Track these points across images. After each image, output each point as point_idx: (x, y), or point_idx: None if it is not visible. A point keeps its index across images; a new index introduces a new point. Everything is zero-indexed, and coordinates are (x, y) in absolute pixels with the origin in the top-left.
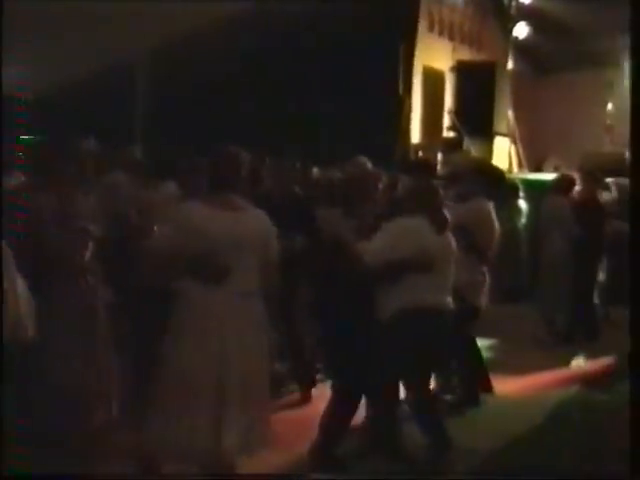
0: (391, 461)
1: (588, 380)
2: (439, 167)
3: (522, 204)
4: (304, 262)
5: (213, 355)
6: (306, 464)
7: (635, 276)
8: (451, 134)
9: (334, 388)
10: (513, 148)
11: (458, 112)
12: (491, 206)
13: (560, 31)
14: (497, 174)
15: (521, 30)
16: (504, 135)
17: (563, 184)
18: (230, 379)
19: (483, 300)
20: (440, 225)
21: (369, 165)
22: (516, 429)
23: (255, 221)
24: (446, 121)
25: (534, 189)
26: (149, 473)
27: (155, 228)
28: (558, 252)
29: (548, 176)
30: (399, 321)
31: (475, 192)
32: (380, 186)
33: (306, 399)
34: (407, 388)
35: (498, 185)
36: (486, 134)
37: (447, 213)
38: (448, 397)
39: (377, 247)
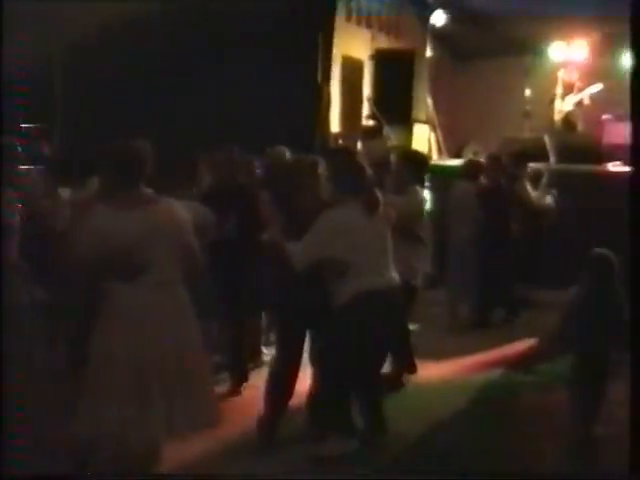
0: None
1: (511, 362)
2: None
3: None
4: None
5: (137, 347)
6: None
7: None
8: (370, 122)
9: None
10: (432, 135)
11: (377, 100)
12: (423, 194)
13: (478, 18)
14: (424, 161)
15: (439, 18)
16: (423, 122)
17: (470, 170)
18: (156, 367)
19: (419, 282)
20: (372, 207)
21: (288, 154)
22: (441, 414)
23: (165, 213)
24: (365, 109)
25: (448, 175)
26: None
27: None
28: (464, 238)
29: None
30: (353, 307)
31: (409, 182)
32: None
33: (235, 393)
34: (360, 371)
35: (425, 171)
36: (405, 122)
37: (379, 194)
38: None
39: (305, 248)
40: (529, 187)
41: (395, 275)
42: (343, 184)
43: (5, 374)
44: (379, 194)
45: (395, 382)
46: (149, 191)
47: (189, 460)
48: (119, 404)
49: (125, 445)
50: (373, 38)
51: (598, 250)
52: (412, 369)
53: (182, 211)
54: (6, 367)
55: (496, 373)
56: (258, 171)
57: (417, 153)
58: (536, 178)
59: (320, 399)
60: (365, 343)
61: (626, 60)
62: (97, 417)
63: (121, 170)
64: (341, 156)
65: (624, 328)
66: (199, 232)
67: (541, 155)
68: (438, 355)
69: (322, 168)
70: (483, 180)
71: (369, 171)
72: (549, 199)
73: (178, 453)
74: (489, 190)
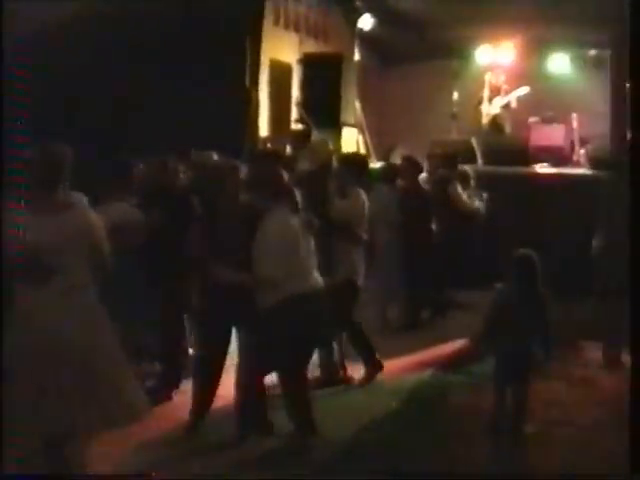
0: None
1: (440, 363)
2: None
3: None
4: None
5: (40, 349)
6: None
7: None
8: (299, 126)
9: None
10: (361, 138)
11: (305, 104)
12: (364, 196)
13: (405, 22)
14: (365, 164)
15: (367, 22)
16: (352, 126)
17: (387, 173)
18: (62, 368)
19: (361, 282)
20: (294, 210)
21: (216, 159)
22: (372, 414)
23: (78, 218)
24: (294, 113)
25: (373, 179)
26: None
27: None
28: (386, 241)
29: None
30: (280, 310)
31: (351, 185)
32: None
33: (166, 398)
34: (284, 374)
35: (366, 174)
36: (334, 125)
37: (298, 195)
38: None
39: (264, 266)
40: (459, 188)
41: (319, 278)
42: (265, 188)
43: None
44: (299, 197)
45: (366, 382)
46: (69, 195)
47: (117, 461)
48: (32, 404)
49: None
50: (301, 42)
51: (521, 251)
52: (378, 366)
53: (95, 216)
54: None
55: (426, 374)
56: (184, 175)
57: (357, 156)
58: (463, 180)
59: (241, 400)
60: (290, 345)
61: (552, 63)
62: (18, 415)
63: (36, 173)
64: (261, 160)
65: (546, 328)
66: (126, 233)
67: (469, 157)
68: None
69: (244, 172)
70: (401, 182)
71: (286, 175)
72: (477, 201)
73: (106, 455)
74: (407, 192)
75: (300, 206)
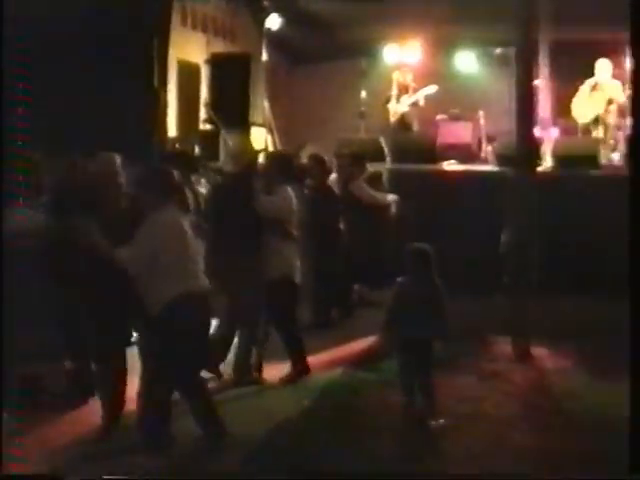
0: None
1: (352, 361)
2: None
3: None
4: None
5: None
6: None
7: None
8: (207, 126)
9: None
10: (269, 138)
11: (214, 104)
12: (291, 191)
13: (313, 22)
14: (291, 161)
15: (274, 21)
16: (260, 125)
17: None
18: None
19: (298, 278)
20: (184, 209)
21: (117, 161)
22: (284, 413)
23: None
24: (202, 114)
25: None
26: None
27: None
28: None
29: None
30: (171, 309)
31: (278, 182)
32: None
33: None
34: (180, 376)
35: (292, 171)
36: (242, 125)
37: (188, 194)
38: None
39: (135, 253)
40: (366, 186)
41: (205, 278)
42: (154, 187)
43: None
44: (189, 196)
45: (288, 382)
46: None
47: (34, 463)
48: None
49: None
50: (209, 42)
51: (417, 244)
52: (306, 368)
53: None
54: None
55: (337, 372)
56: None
57: (284, 154)
58: (376, 180)
59: (140, 410)
60: (183, 345)
61: (459, 61)
62: None
63: None
64: (169, 161)
65: (443, 314)
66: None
67: (377, 156)
68: (281, 356)
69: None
70: (309, 182)
71: (177, 175)
72: (389, 198)
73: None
74: (313, 191)
75: (191, 207)
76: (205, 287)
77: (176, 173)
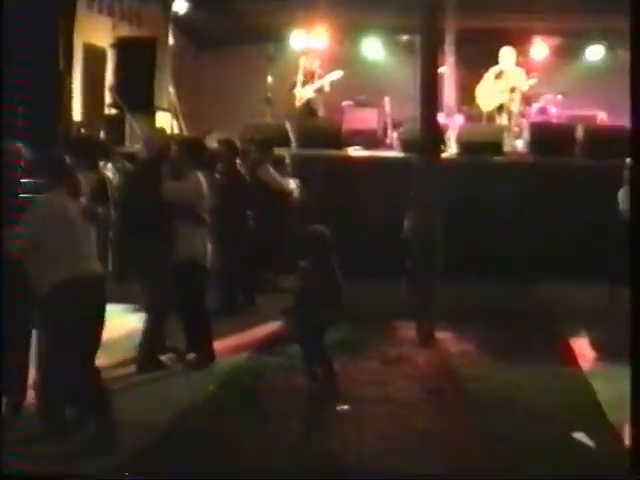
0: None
1: (258, 345)
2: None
3: None
4: None
5: None
6: None
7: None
8: (113, 111)
9: None
10: (175, 123)
11: (119, 88)
12: (202, 176)
13: (220, 7)
14: (202, 147)
15: (181, 6)
16: (166, 110)
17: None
18: None
19: (208, 262)
20: (74, 193)
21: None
22: (189, 399)
23: None
24: (108, 98)
25: None
26: None
27: None
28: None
29: None
30: (60, 294)
31: (188, 167)
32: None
33: None
34: (69, 362)
35: (203, 156)
36: (147, 110)
37: (81, 178)
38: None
39: (14, 234)
40: (273, 171)
41: (98, 263)
42: (44, 171)
43: None
44: (80, 181)
45: (194, 367)
46: None
47: None
48: None
49: None
50: (115, 26)
51: (315, 227)
52: (212, 355)
53: None
54: None
55: (242, 357)
56: None
57: (194, 139)
58: (279, 163)
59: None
60: (73, 331)
61: (365, 48)
62: None
63: None
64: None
65: (340, 301)
66: None
67: (283, 141)
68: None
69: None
70: (219, 166)
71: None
72: (292, 183)
73: None
74: (224, 176)
75: (83, 192)
76: (96, 272)
77: (68, 158)
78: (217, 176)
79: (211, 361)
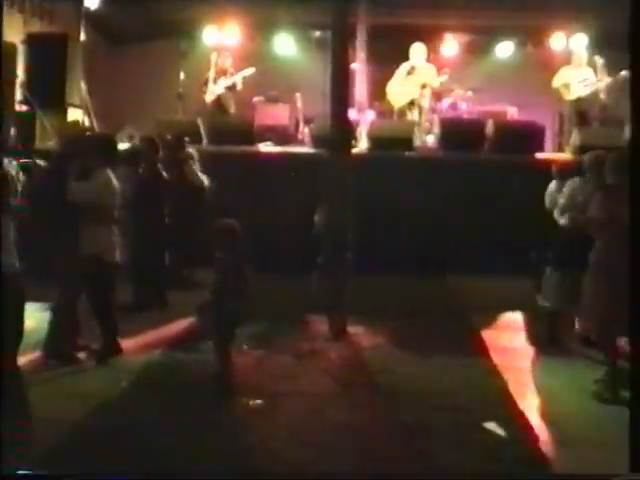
0: None
1: (171, 342)
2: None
3: None
4: None
5: None
6: None
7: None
8: (24, 108)
9: None
10: (87, 119)
11: (30, 85)
12: (111, 174)
13: (132, 2)
14: (113, 144)
15: (93, 1)
16: (77, 107)
17: (129, 155)
18: None
19: (119, 258)
20: None
21: None
22: (103, 396)
23: None
24: (18, 94)
25: None
26: None
27: None
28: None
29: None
30: None
31: (97, 166)
32: None
33: None
34: None
35: (114, 154)
36: (58, 106)
37: None
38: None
39: None
40: (188, 167)
41: (13, 259)
42: None
43: None
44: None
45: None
46: None
47: None
48: None
49: None
50: (26, 22)
51: (224, 220)
52: (117, 349)
53: None
54: None
55: (156, 353)
56: None
57: (104, 136)
58: (187, 160)
59: None
60: None
61: (277, 44)
62: None
63: None
64: None
65: (246, 290)
66: None
67: (195, 137)
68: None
69: None
70: (142, 164)
71: None
72: (206, 180)
73: None
74: (145, 172)
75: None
76: (14, 267)
77: None
78: (140, 171)
79: (115, 355)
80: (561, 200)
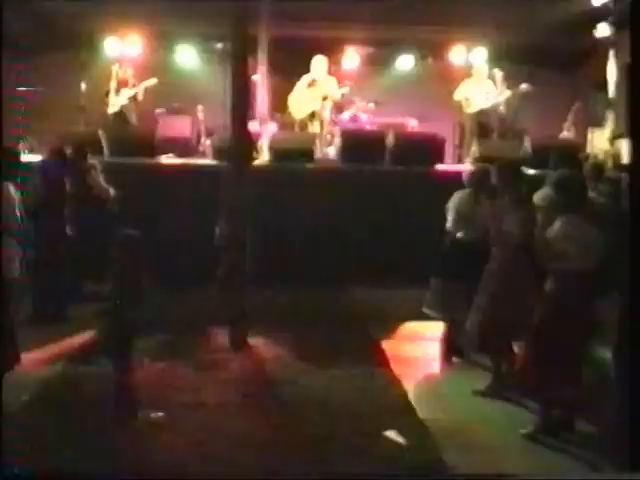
0: None
1: (72, 355)
2: None
3: None
4: None
5: None
6: None
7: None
8: None
9: None
10: None
11: None
12: (10, 187)
13: (32, 13)
14: (15, 156)
15: None
16: None
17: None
18: None
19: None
20: None
21: None
22: (5, 409)
23: None
24: None
25: None
26: None
27: None
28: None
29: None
30: None
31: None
32: None
33: None
34: None
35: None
36: None
37: None
38: None
39: None
40: (92, 178)
41: None
42: None
43: None
44: None
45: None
46: None
47: None
48: None
49: None
50: None
51: (125, 230)
52: (16, 359)
53: None
54: None
55: (58, 366)
56: None
57: (8, 150)
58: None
59: None
60: None
61: (179, 56)
62: None
63: None
64: None
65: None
66: None
67: (97, 149)
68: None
69: None
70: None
71: None
72: (111, 190)
73: None
74: (47, 184)
75: None
76: None
77: None
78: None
79: (15, 364)
80: (453, 213)
